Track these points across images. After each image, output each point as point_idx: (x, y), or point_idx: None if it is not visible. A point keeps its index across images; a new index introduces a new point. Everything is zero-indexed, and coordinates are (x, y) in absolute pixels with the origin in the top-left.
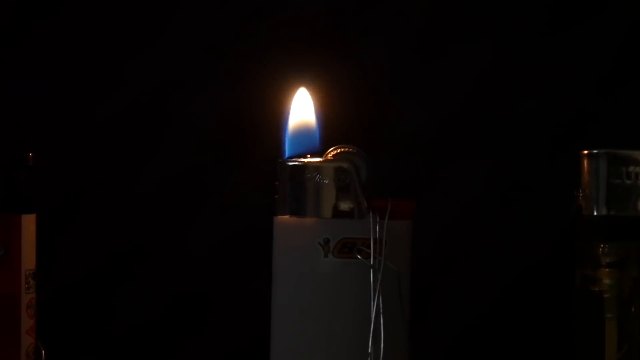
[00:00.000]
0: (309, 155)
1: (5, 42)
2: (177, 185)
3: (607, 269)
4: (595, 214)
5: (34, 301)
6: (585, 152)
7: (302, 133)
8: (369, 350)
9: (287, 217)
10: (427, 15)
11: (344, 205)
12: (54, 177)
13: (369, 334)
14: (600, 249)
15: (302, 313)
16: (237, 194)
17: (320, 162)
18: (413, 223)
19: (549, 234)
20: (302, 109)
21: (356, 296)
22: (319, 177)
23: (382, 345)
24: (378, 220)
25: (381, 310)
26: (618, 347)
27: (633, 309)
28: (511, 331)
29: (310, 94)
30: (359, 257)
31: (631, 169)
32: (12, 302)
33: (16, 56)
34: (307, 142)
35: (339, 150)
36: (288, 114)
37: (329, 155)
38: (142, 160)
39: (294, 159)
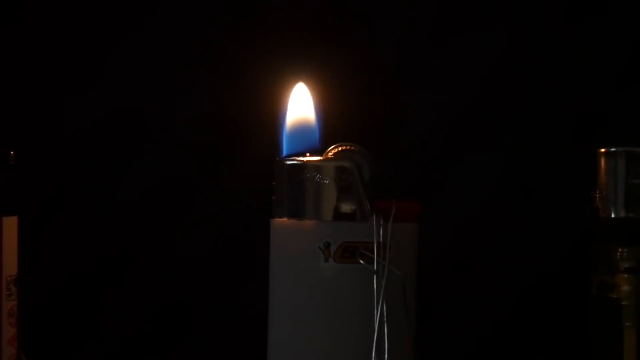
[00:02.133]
0: (308, 154)
1: None
2: (167, 186)
3: (626, 275)
4: (613, 216)
5: (15, 309)
6: (603, 150)
7: (301, 130)
8: None
9: (285, 219)
10: (436, 3)
11: (346, 207)
12: (36, 178)
13: (372, 344)
14: (618, 254)
15: (301, 321)
16: (232, 195)
17: (320, 160)
18: (419, 226)
19: (563, 238)
20: (300, 104)
21: (359, 304)
22: (318, 177)
23: (386, 356)
24: (382, 222)
25: (385, 319)
26: (637, 356)
27: None
28: (524, 341)
29: (309, 89)
30: (361, 262)
31: None
32: None
33: (2, 57)
34: (306, 140)
35: (340, 149)
36: (286, 110)
37: (330, 153)
38: (129, 160)
39: (293, 158)
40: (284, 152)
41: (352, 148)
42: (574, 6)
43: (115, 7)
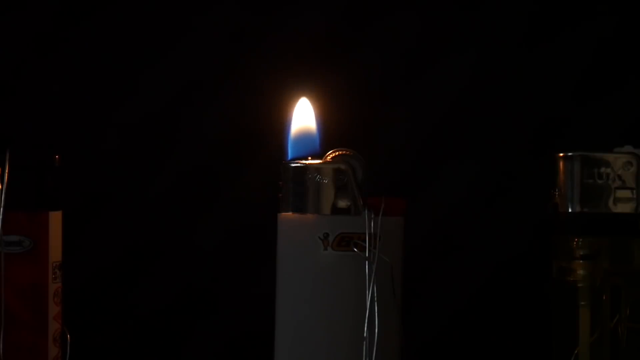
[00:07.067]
0: (309, 158)
1: (37, 52)
2: (190, 184)
3: (581, 261)
4: (570, 211)
5: (60, 290)
6: (561, 154)
7: (304, 137)
8: (365, 335)
9: (290, 213)
10: (416, 31)
11: (342, 203)
12: (78, 178)
13: (365, 320)
14: (575, 243)
15: (304, 302)
16: (245, 193)
17: (320, 163)
18: (404, 219)
19: (528, 230)
20: (303, 116)
21: (353, 286)
22: (319, 178)
23: (376, 329)
24: (373, 216)
25: (375, 299)
26: (591, 332)
27: (604, 298)
28: (493, 317)
29: (311, 103)
30: (355, 250)
31: (602, 169)
32: (40, 291)
33: (43, 66)
34: (308, 146)
35: (337, 153)
36: (291, 120)
37: (328, 157)
38: (158, 162)
39: (297, 161)
40: (289, 156)
41: (348, 153)
42: (535, 28)
43: (150, 32)
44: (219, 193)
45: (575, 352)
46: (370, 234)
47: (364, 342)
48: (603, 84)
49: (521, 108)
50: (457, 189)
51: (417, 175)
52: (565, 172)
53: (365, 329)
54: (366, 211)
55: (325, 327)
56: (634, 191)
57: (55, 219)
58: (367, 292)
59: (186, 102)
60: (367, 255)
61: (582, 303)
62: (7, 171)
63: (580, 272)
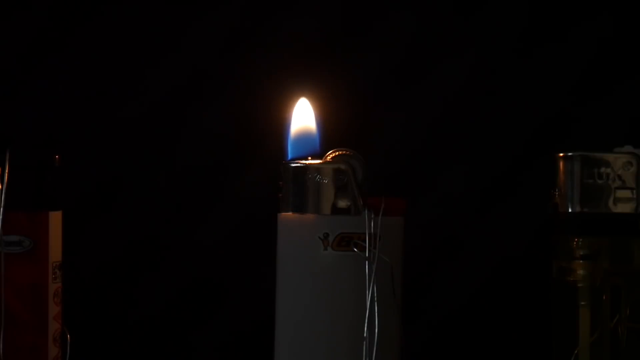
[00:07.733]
0: (310, 158)
1: (37, 52)
2: (192, 183)
3: (581, 261)
4: (570, 211)
5: (60, 290)
6: (561, 154)
7: (304, 138)
8: (365, 334)
9: (290, 213)
10: (416, 31)
11: (342, 203)
12: (78, 177)
13: (365, 320)
14: (575, 243)
15: (304, 302)
16: (246, 192)
17: (320, 163)
18: (404, 219)
19: (528, 230)
20: (303, 116)
21: (353, 286)
22: (319, 178)
23: (376, 329)
24: (373, 216)
25: (375, 298)
26: (591, 332)
27: (604, 298)
28: (493, 317)
29: (311, 103)
30: (355, 250)
31: (602, 169)
32: (40, 291)
33: (44, 66)
34: (308, 146)
35: (337, 153)
36: (291, 120)
37: (328, 157)
38: (158, 162)
39: (297, 161)
40: (289, 156)
41: (348, 153)
42: (533, 32)
43: (151, 32)
44: (221, 192)
45: (575, 352)
46: (370, 234)
47: (364, 342)
48: (603, 84)
49: (521, 108)
50: (457, 188)
51: (417, 175)
52: (565, 172)
53: (365, 329)
54: (366, 211)
55: (325, 327)
56: (634, 191)
57: (55, 219)
58: (367, 292)
59: (186, 103)
60: (367, 255)
61: (582, 303)
62: (7, 171)
63: (580, 272)
